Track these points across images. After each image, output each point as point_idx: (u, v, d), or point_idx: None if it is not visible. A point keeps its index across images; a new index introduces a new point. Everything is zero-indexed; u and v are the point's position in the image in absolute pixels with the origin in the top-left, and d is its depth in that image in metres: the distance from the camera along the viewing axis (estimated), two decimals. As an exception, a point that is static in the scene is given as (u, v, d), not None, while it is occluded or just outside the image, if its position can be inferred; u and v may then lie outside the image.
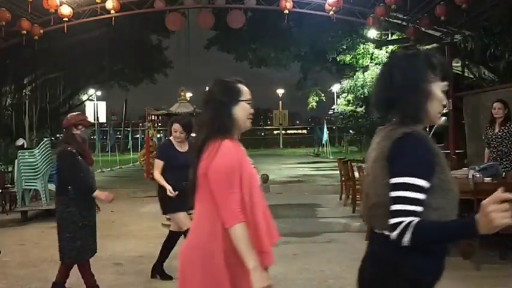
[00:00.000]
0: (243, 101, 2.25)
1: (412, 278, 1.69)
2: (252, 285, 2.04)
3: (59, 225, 4.27)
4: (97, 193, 4.30)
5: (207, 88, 2.33)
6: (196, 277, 2.13)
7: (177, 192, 4.69)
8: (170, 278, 4.90)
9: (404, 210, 1.60)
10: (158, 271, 5.06)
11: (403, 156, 1.66)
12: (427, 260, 1.69)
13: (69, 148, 4.26)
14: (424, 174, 1.63)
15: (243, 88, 2.28)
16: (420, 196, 1.62)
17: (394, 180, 1.64)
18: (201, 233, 2.18)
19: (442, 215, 1.65)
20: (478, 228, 1.50)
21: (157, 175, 4.88)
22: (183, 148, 4.97)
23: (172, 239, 5.08)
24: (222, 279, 2.10)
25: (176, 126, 4.95)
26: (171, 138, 5.06)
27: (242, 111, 2.24)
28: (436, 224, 1.62)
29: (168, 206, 4.93)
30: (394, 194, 1.64)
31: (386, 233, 1.67)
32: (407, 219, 1.59)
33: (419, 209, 1.61)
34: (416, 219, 1.59)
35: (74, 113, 4.65)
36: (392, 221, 1.61)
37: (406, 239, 1.58)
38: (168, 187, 4.76)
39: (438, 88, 1.80)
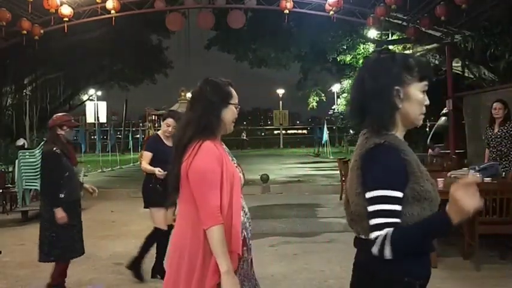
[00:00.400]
0: (232, 104, 2.27)
1: (390, 281, 1.66)
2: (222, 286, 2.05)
3: (42, 225, 4.32)
4: (57, 209, 4.22)
5: (198, 86, 2.31)
6: (181, 277, 2.14)
7: (165, 173, 4.69)
8: (141, 278, 5.05)
9: (380, 224, 1.59)
10: (158, 271, 5.08)
11: (374, 168, 1.64)
12: (407, 261, 1.65)
13: (54, 148, 4.27)
14: (397, 185, 1.61)
15: (233, 92, 2.30)
16: (396, 207, 1.59)
17: (369, 195, 1.63)
18: (184, 234, 2.18)
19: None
20: (451, 218, 1.49)
21: (145, 165, 4.97)
22: (169, 142, 5.05)
23: (158, 236, 5.14)
24: (204, 280, 2.10)
25: (170, 121, 5.04)
26: (159, 132, 5.21)
27: (230, 114, 2.26)
28: (410, 229, 1.60)
29: (152, 199, 5.01)
30: (370, 208, 1.62)
31: (363, 237, 1.69)
32: (383, 233, 1.57)
33: (396, 220, 1.59)
34: (390, 230, 1.57)
35: (60, 114, 4.65)
36: (372, 235, 1.60)
37: (387, 252, 1.56)
38: (156, 168, 4.83)
39: (416, 89, 1.75)
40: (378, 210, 1.60)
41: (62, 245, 4.24)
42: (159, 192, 4.88)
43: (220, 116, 2.23)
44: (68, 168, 4.31)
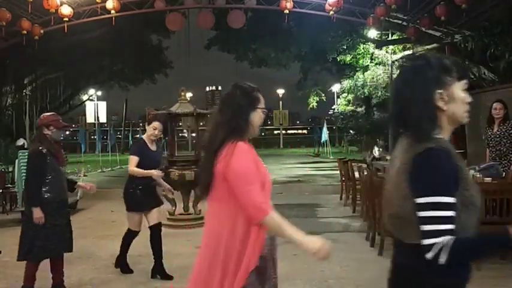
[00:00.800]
0: (259, 108, 2.36)
1: (440, 284, 1.70)
2: (310, 252, 2.26)
3: (24, 223, 4.28)
4: (35, 209, 4.19)
5: (227, 91, 2.41)
6: (216, 275, 2.21)
7: (162, 173, 4.96)
8: (131, 271, 5.19)
9: (437, 231, 1.59)
10: (158, 271, 5.11)
11: (426, 173, 1.64)
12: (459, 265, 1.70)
13: (40, 148, 4.24)
14: (450, 191, 1.62)
15: (261, 97, 2.40)
16: (450, 213, 1.60)
17: (421, 200, 1.62)
18: (218, 233, 2.25)
19: (461, 230, 1.64)
20: None
21: (134, 168, 4.98)
22: (153, 147, 5.14)
23: (131, 237, 5.24)
24: (240, 276, 2.19)
25: (157, 124, 5.09)
26: (144, 137, 5.22)
27: (257, 117, 2.35)
28: (472, 242, 1.64)
29: (131, 204, 5.06)
30: (422, 214, 1.62)
31: (407, 241, 1.70)
32: (441, 240, 1.58)
33: (451, 227, 1.60)
34: (451, 239, 1.58)
35: (48, 113, 4.61)
36: (426, 242, 1.60)
37: (443, 259, 1.58)
38: (151, 171, 4.90)
39: (458, 89, 1.77)
40: (432, 217, 1.60)
41: (39, 245, 4.22)
42: (137, 197, 4.98)
43: (248, 120, 2.31)
44: (54, 168, 4.28)
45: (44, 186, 4.24)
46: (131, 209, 5.08)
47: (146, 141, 5.11)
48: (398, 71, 1.95)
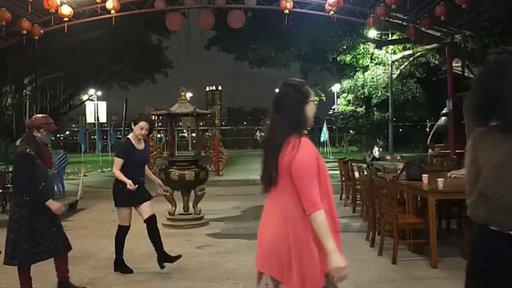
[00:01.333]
0: (311, 101, 2.48)
1: None
2: (329, 265, 2.30)
3: (9, 226, 4.22)
4: (49, 202, 4.23)
5: (279, 90, 2.52)
6: (291, 262, 2.33)
7: (137, 186, 5.03)
8: (131, 271, 5.24)
9: None
10: (164, 259, 5.22)
11: None
12: None
13: (28, 150, 4.20)
14: None
15: (310, 89, 2.52)
16: None
17: None
18: (283, 225, 2.37)
19: None
20: None
21: (117, 172, 5.09)
22: (139, 146, 5.23)
23: (122, 233, 5.35)
24: (312, 259, 2.32)
25: (144, 124, 5.16)
26: (129, 136, 5.27)
27: (311, 110, 2.48)
28: None
29: (120, 199, 5.19)
30: None
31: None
32: None
33: None
34: None
35: (40, 115, 4.56)
36: None
37: None
38: (129, 181, 5.00)
39: None
40: None
41: (24, 248, 4.17)
42: (125, 193, 5.06)
43: (304, 114, 2.44)
44: (41, 170, 4.25)
45: (38, 182, 4.22)
46: (119, 204, 5.22)
47: (132, 140, 5.19)
48: (488, 64, 1.96)
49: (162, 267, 5.18)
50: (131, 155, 5.12)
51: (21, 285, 4.38)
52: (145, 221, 5.23)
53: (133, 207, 5.26)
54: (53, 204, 4.25)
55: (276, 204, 2.44)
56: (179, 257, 5.22)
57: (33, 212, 4.19)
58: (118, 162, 5.10)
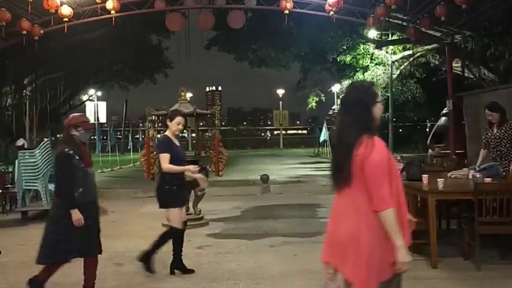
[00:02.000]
0: (379, 102, 2.60)
1: None
2: (397, 259, 2.44)
3: (47, 225, 4.22)
4: (73, 211, 4.13)
5: (347, 92, 2.65)
6: (361, 254, 2.44)
7: (198, 168, 5.04)
8: (192, 271, 5.13)
9: None
10: (178, 267, 5.17)
11: None
12: None
13: (66, 149, 4.18)
14: None
15: (376, 91, 2.66)
16: None
17: None
18: (358, 222, 2.47)
19: None
20: None
21: (171, 166, 4.98)
22: (177, 142, 5.20)
23: (179, 235, 5.19)
24: (382, 254, 2.44)
25: (181, 119, 5.13)
26: (167, 133, 5.19)
27: (379, 110, 2.60)
28: None
29: (172, 200, 5.06)
30: None
31: None
32: None
33: None
34: None
35: (77, 114, 4.55)
36: None
37: None
38: (189, 167, 5.02)
39: None
40: None
41: (62, 248, 4.14)
42: (175, 193, 5.00)
43: (372, 114, 2.56)
44: (81, 169, 4.20)
45: (74, 187, 4.17)
46: (172, 205, 5.08)
47: (170, 137, 5.13)
48: None
49: (172, 272, 5.12)
50: (173, 150, 5.05)
51: (39, 276, 4.29)
52: (170, 227, 5.18)
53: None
54: (75, 214, 4.12)
55: (348, 201, 2.54)
56: (192, 271, 5.13)
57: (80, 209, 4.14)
58: (166, 157, 4.99)
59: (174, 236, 5.15)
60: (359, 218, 2.48)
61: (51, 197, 9.22)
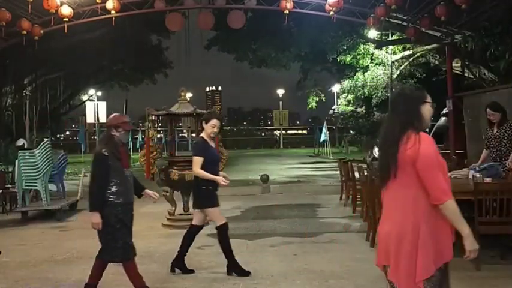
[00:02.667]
0: (428, 102, 2.64)
1: None
2: (466, 247, 2.50)
3: (103, 226, 4.22)
4: (92, 214, 4.17)
5: (397, 92, 2.76)
6: (413, 248, 2.46)
7: (228, 182, 5.07)
8: (192, 271, 5.11)
9: None
10: (179, 265, 5.15)
11: None
12: None
13: (103, 150, 4.15)
14: None
15: (426, 92, 2.69)
16: None
17: None
18: (407, 216, 2.50)
19: None
20: None
21: (201, 171, 4.98)
22: (213, 144, 5.20)
23: (194, 233, 5.23)
24: (431, 248, 2.47)
25: (216, 122, 5.12)
26: (203, 135, 5.17)
27: (427, 111, 2.64)
28: None
29: (210, 200, 5.08)
30: None
31: None
32: None
33: None
34: None
35: (117, 114, 4.50)
36: None
37: None
38: (218, 177, 5.02)
39: None
40: None
41: (120, 245, 4.20)
42: (212, 193, 5.04)
43: (419, 112, 2.60)
44: (118, 171, 4.19)
45: (109, 189, 4.17)
46: (211, 205, 5.10)
47: (207, 139, 5.14)
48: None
49: (229, 273, 5.07)
50: (209, 153, 5.05)
51: (89, 280, 4.36)
52: (217, 228, 5.14)
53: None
54: (95, 217, 4.14)
55: (397, 197, 2.55)
56: (248, 273, 5.05)
57: (115, 213, 4.17)
58: (199, 161, 4.98)
59: (223, 233, 5.13)
60: (408, 214, 2.49)
61: (52, 197, 9.25)
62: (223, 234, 5.13)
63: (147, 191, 4.68)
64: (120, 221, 4.19)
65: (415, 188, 2.48)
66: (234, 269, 5.07)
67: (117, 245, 4.18)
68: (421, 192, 2.48)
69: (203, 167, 4.99)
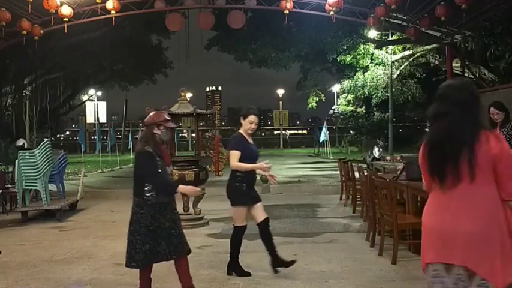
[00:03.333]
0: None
1: None
2: None
3: (129, 228, 4.09)
4: (181, 187, 4.17)
5: (469, 93, 2.67)
6: (496, 245, 2.44)
7: (269, 165, 4.98)
8: (248, 274, 5.02)
9: None
10: (234, 268, 5.09)
11: None
12: None
13: (146, 147, 4.10)
14: None
15: None
16: None
17: None
18: (493, 216, 2.49)
19: None
20: None
21: (237, 163, 4.94)
22: (251, 140, 5.16)
23: (240, 234, 5.15)
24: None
25: (254, 118, 5.11)
26: (241, 131, 5.13)
27: (484, 111, 2.74)
28: None
29: (239, 198, 5.02)
30: None
31: None
32: None
33: None
34: None
35: (159, 111, 4.40)
36: None
37: None
38: (260, 165, 4.98)
39: None
40: None
41: (146, 249, 4.03)
42: (243, 191, 4.98)
43: (482, 111, 2.67)
44: (161, 168, 4.12)
45: (148, 186, 4.07)
46: (239, 203, 5.04)
47: (244, 135, 5.10)
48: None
49: (276, 271, 5.02)
50: (246, 148, 5.01)
51: (140, 286, 4.22)
52: (258, 224, 5.09)
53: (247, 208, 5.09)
54: (185, 188, 4.22)
55: (473, 196, 2.52)
56: (293, 262, 5.02)
57: (154, 212, 4.05)
58: (236, 155, 4.94)
59: (236, 234, 5.11)
60: (491, 212, 2.48)
61: (52, 197, 9.25)
62: (238, 235, 5.12)
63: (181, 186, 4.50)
64: (155, 222, 4.06)
65: (493, 186, 2.50)
66: (234, 269, 5.07)
67: (143, 248, 4.03)
68: (496, 189, 2.51)
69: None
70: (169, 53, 26.72)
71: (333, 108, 29.04)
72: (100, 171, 19.71)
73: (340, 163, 10.65)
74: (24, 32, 10.57)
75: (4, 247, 6.35)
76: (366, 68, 20.04)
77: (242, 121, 5.14)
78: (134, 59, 23.35)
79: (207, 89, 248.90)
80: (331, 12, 10.63)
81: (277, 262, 5.04)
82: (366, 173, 7.11)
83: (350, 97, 23.76)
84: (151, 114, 4.27)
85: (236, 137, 5.17)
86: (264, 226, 5.08)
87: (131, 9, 11.21)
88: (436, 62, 17.70)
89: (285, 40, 18.26)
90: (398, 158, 12.25)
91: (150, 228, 4.05)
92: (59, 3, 10.16)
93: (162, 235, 4.10)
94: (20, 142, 12.51)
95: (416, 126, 34.47)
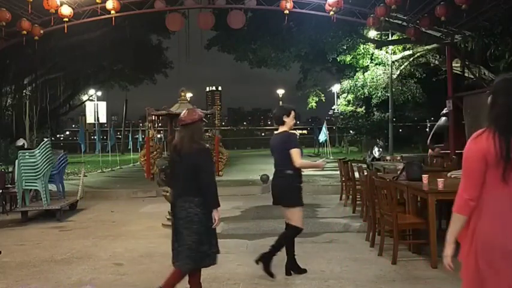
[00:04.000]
0: None
1: None
2: None
3: (188, 228, 3.86)
4: (218, 210, 3.95)
5: (502, 84, 2.57)
6: None
7: (325, 163, 4.99)
8: (305, 271, 5.04)
9: None
10: (293, 267, 5.08)
11: None
12: None
13: (207, 145, 4.05)
14: None
15: None
16: None
17: None
18: None
19: None
20: None
21: (303, 161, 5.06)
22: None
23: (297, 234, 5.14)
24: None
25: (295, 113, 5.16)
26: (286, 129, 5.11)
27: None
28: None
29: (300, 199, 5.09)
30: None
31: None
32: None
33: None
34: None
35: (196, 108, 4.37)
36: None
37: None
38: (318, 162, 5.01)
39: None
40: None
41: (204, 249, 3.89)
42: (301, 192, 5.05)
43: None
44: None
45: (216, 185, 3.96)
46: (300, 204, 5.08)
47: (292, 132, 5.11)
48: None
49: (289, 273, 5.02)
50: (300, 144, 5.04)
51: (164, 286, 3.99)
52: (289, 225, 5.13)
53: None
54: (218, 214, 3.92)
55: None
56: (305, 271, 5.04)
57: (207, 211, 3.90)
58: (299, 153, 4.94)
59: (293, 235, 5.11)
60: None
61: (52, 197, 9.25)
62: (295, 235, 5.10)
63: None
64: (208, 222, 3.93)
65: None
66: (293, 268, 5.06)
67: (201, 248, 3.89)
68: None
69: (289, 161, 4.91)
70: (169, 53, 26.74)
71: (333, 108, 29.02)
72: (100, 171, 19.72)
73: (340, 163, 10.65)
74: (24, 32, 10.57)
75: (4, 247, 6.36)
76: (366, 68, 20.04)
77: (286, 118, 5.03)
78: (134, 59, 23.35)
79: (207, 89, 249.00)
80: (331, 12, 10.62)
81: (293, 265, 5.07)
82: (365, 173, 7.12)
83: (350, 97, 23.75)
84: (196, 110, 4.12)
85: (293, 135, 5.12)
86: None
87: (131, 9, 11.20)
88: (436, 62, 17.70)
89: (285, 40, 18.25)
90: (398, 158, 12.26)
91: (207, 228, 3.92)
92: (59, 3, 10.16)
93: (213, 234, 4.01)
94: (20, 142, 12.51)
95: (416, 127, 34.48)
